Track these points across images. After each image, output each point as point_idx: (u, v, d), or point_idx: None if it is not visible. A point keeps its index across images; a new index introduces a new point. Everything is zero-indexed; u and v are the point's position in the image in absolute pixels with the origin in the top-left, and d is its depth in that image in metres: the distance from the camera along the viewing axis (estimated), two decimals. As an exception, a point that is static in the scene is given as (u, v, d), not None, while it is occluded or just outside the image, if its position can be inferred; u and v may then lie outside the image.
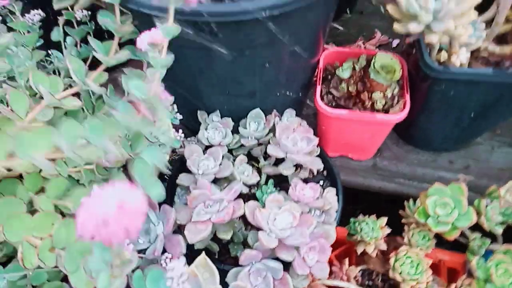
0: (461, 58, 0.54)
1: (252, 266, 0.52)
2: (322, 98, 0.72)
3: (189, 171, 0.61)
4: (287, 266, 0.54)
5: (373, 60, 0.65)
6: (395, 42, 1.03)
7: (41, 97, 0.54)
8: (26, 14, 0.64)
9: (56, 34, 0.61)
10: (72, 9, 0.60)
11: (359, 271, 0.74)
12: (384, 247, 0.71)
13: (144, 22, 0.52)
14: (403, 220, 0.75)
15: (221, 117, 0.71)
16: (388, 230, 0.71)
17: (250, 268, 0.52)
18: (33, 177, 0.54)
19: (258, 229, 0.53)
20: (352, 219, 0.73)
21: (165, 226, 0.52)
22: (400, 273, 0.66)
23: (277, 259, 0.53)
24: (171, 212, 0.51)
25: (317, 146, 0.66)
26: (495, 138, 0.85)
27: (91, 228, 0.25)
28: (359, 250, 0.72)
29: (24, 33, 0.63)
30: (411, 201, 0.73)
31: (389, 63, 0.65)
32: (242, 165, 0.63)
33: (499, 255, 0.60)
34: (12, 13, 0.63)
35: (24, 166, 0.50)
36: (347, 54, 0.74)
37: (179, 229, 0.56)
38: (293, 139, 0.62)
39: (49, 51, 0.66)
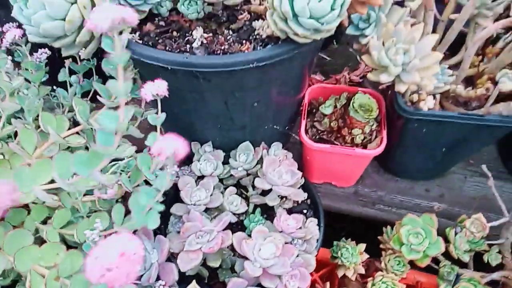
0: (428, 104, 0.61)
1: (237, 293, 0.57)
2: (306, 132, 0.77)
3: (182, 201, 0.66)
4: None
5: (352, 100, 0.71)
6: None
7: (48, 133, 0.59)
8: (34, 53, 0.70)
9: (62, 75, 0.66)
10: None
11: (339, 293, 0.80)
12: (362, 271, 0.76)
13: (145, 68, 0.58)
14: (381, 246, 0.80)
15: (213, 148, 0.76)
16: (366, 256, 0.77)
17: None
18: (39, 208, 0.58)
19: (245, 257, 0.58)
20: (335, 243, 0.78)
21: (159, 255, 0.57)
22: (377, 296, 0.71)
23: (261, 285, 0.58)
24: (165, 243, 0.56)
25: (302, 177, 0.71)
26: (467, 167, 0.91)
27: (97, 274, 0.30)
28: (340, 273, 0.77)
29: (32, 71, 0.68)
30: (388, 227, 0.79)
31: (367, 102, 0.71)
32: (231, 196, 0.68)
33: (464, 282, 0.66)
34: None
35: (28, 198, 0.54)
36: (330, 90, 0.81)
37: (172, 255, 0.61)
38: (279, 172, 0.68)
39: (54, 87, 0.72)
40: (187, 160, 0.77)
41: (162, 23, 0.62)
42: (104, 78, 0.58)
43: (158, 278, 0.56)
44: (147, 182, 0.56)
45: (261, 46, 0.59)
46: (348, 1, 0.50)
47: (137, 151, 0.69)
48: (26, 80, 0.66)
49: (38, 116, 0.63)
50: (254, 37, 0.59)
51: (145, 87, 0.48)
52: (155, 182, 0.46)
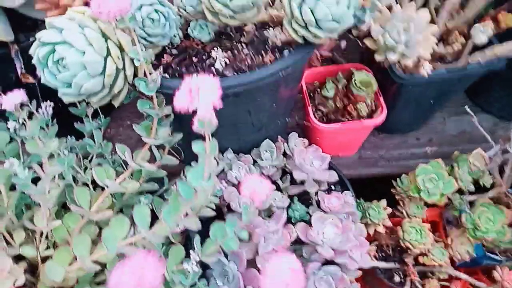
0: (426, 69, 0.69)
1: (316, 275, 0.63)
2: (314, 116, 0.84)
3: (232, 210, 0.70)
4: (337, 265, 0.66)
5: (353, 79, 0.78)
6: (343, 44, 1.17)
7: (95, 187, 0.59)
8: (39, 109, 0.67)
9: (88, 126, 0.64)
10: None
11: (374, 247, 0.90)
12: (389, 223, 0.87)
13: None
14: (397, 197, 0.91)
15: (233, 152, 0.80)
16: (389, 210, 0.87)
17: (314, 278, 0.63)
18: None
19: (308, 243, 0.64)
20: (358, 205, 0.87)
21: (238, 264, 0.61)
22: (410, 241, 0.81)
23: (330, 262, 0.65)
24: (242, 253, 0.61)
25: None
26: (443, 110, 1.04)
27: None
28: (371, 231, 0.87)
29: (45, 129, 0.66)
30: (398, 180, 0.89)
31: (366, 78, 0.78)
32: (272, 194, 0.73)
33: (480, 208, 0.78)
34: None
35: (108, 258, 0.55)
36: (323, 73, 0.87)
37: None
38: (309, 160, 0.74)
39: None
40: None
41: (175, 51, 0.63)
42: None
43: (244, 286, 0.60)
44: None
45: (278, 52, 0.63)
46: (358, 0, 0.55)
47: (168, 175, 0.72)
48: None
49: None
50: (270, 46, 0.63)
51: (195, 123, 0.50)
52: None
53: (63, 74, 0.49)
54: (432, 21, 0.82)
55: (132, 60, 0.53)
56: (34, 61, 0.50)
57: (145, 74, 0.55)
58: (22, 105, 0.63)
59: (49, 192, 0.57)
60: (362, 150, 0.99)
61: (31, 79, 0.65)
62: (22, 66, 0.68)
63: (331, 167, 0.80)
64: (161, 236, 0.51)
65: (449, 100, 0.92)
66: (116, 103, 0.57)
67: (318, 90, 0.87)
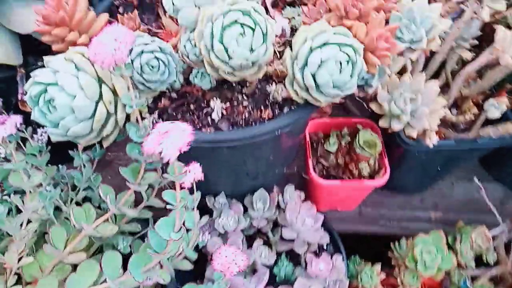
0: (432, 140, 0.66)
1: None
2: (314, 169, 0.81)
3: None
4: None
5: (357, 138, 0.76)
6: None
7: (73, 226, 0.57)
8: (34, 135, 0.66)
9: (77, 160, 0.64)
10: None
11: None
12: (382, 289, 0.82)
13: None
14: (393, 262, 0.86)
15: (226, 196, 0.78)
16: (383, 275, 0.82)
17: None
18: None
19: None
20: (350, 267, 0.83)
21: None
22: (401, 313, 0.77)
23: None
24: None
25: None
26: (453, 174, 0.99)
27: None
28: (362, 296, 0.82)
29: (37, 155, 0.65)
30: (396, 244, 0.85)
31: (370, 138, 0.76)
32: (259, 248, 0.70)
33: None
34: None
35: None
36: (329, 125, 0.85)
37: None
38: (301, 218, 0.71)
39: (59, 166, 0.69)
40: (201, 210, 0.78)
41: (174, 95, 0.62)
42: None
43: None
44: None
45: (277, 108, 0.61)
46: (363, 68, 0.53)
47: (154, 216, 0.70)
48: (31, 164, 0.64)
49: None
50: (270, 101, 0.61)
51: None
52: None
53: (52, 115, 0.48)
54: (447, 85, 0.80)
55: (124, 106, 0.52)
56: (26, 98, 0.49)
57: (137, 120, 0.54)
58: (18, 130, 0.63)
59: (26, 227, 0.55)
60: (362, 206, 0.96)
61: (28, 108, 0.65)
62: (24, 92, 0.68)
63: (325, 224, 0.77)
64: (128, 286, 0.49)
65: (458, 168, 0.88)
66: (105, 144, 0.56)
67: (322, 141, 0.85)
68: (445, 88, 0.82)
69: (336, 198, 0.86)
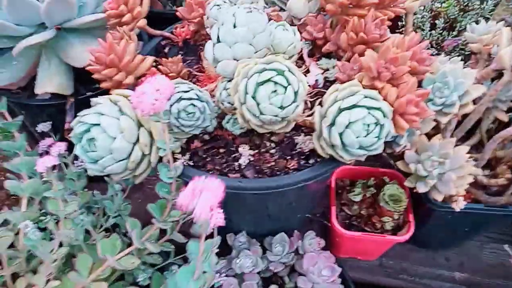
0: (459, 205, 0.65)
1: None
2: (336, 216, 0.81)
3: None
4: None
5: (382, 191, 0.75)
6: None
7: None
8: (75, 161, 0.71)
9: (110, 191, 0.68)
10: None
11: None
12: None
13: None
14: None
15: (247, 234, 0.79)
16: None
17: None
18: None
19: None
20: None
21: None
22: None
23: None
24: None
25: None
26: (483, 234, 0.96)
27: None
28: None
29: (75, 180, 0.70)
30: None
31: (396, 193, 0.75)
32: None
33: None
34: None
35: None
36: (355, 172, 0.85)
37: None
38: (318, 268, 0.71)
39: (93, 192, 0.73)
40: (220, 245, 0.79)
41: (207, 136, 0.66)
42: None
43: None
44: None
45: (303, 159, 0.62)
46: (391, 130, 0.54)
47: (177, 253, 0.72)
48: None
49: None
50: (297, 150, 0.63)
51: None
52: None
53: (92, 154, 0.52)
54: (481, 143, 0.79)
55: (158, 149, 0.55)
56: (71, 135, 0.54)
57: (169, 161, 0.57)
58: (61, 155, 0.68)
59: (56, 251, 0.59)
60: (384, 258, 0.94)
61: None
62: (71, 120, 0.74)
63: (342, 275, 0.76)
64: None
65: (487, 231, 0.85)
66: (137, 181, 0.59)
67: (347, 188, 0.85)
68: (478, 147, 0.81)
69: (357, 247, 0.85)
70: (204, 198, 0.42)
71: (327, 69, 0.74)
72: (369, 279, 0.93)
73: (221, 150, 0.64)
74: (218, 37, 0.58)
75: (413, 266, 0.93)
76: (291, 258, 0.75)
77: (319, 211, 0.94)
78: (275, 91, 0.52)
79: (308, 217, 0.83)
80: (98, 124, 0.51)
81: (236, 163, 0.62)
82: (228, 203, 0.52)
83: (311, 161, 0.62)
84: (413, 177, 0.64)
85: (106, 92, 0.69)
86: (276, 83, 0.52)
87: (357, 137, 0.53)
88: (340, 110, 0.54)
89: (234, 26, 0.56)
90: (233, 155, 0.63)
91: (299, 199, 0.70)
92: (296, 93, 0.52)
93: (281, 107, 0.52)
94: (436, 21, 0.95)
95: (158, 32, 0.81)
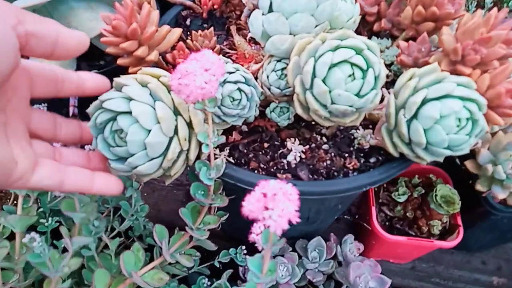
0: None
1: None
2: (376, 218, 0.72)
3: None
4: None
5: (434, 192, 0.67)
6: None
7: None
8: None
9: (130, 192, 0.56)
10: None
11: None
12: None
13: (235, 188, 0.50)
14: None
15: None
16: None
17: None
18: None
19: None
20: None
21: None
22: None
23: None
24: None
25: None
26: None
27: None
28: None
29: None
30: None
31: (449, 194, 0.67)
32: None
33: None
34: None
35: None
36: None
37: None
38: (365, 280, 0.62)
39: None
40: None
41: (245, 127, 0.55)
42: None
43: None
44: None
45: (362, 156, 0.53)
46: (484, 127, 0.45)
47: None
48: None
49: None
50: (355, 147, 0.53)
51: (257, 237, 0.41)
52: None
53: (118, 149, 0.40)
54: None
55: (199, 142, 0.44)
56: (89, 124, 0.42)
57: (208, 158, 0.46)
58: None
59: (68, 262, 0.48)
60: (417, 260, 0.86)
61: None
62: (75, 104, 0.61)
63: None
64: None
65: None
66: (167, 182, 0.48)
67: (385, 186, 0.76)
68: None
69: (395, 251, 0.77)
70: (279, 208, 0.32)
71: (380, 50, 0.64)
72: (399, 282, 0.86)
73: (265, 145, 0.53)
74: (270, 4, 0.47)
75: (447, 270, 0.86)
76: (331, 266, 0.66)
77: (352, 211, 0.86)
78: (351, 74, 0.41)
79: (346, 218, 0.74)
80: (128, 112, 0.39)
81: (285, 161, 0.52)
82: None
83: (372, 160, 0.52)
84: (485, 180, 0.56)
85: (117, 69, 0.57)
86: (353, 64, 0.41)
87: (447, 134, 0.43)
88: (426, 101, 0.44)
89: (294, -8, 0.45)
90: (280, 151, 0.53)
91: (346, 200, 0.61)
92: (376, 77, 0.42)
93: (359, 95, 0.42)
94: None
95: (178, 0, 0.68)
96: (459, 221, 0.70)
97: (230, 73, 0.46)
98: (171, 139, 0.42)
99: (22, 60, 0.36)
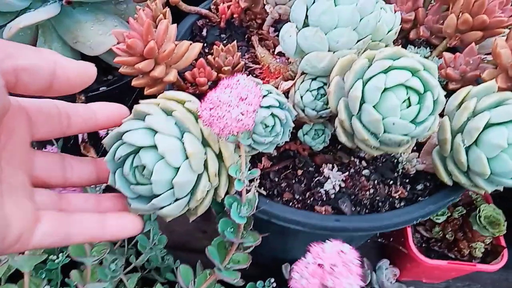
0: None
1: None
2: (412, 240, 0.67)
3: None
4: None
5: (477, 213, 0.61)
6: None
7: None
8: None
9: (148, 225, 0.51)
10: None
11: None
12: None
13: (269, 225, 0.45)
14: None
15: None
16: None
17: None
18: None
19: None
20: None
21: None
22: None
23: None
24: None
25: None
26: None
27: None
28: None
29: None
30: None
31: (493, 214, 0.61)
32: None
33: None
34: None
35: None
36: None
37: None
38: (406, 312, 0.57)
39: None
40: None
41: (275, 152, 0.50)
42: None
43: None
44: None
45: (408, 182, 0.47)
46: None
47: None
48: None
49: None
50: (399, 172, 0.48)
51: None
52: None
53: (141, 188, 0.35)
54: None
55: (230, 177, 0.39)
56: (106, 159, 0.37)
57: (239, 191, 0.41)
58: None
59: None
60: (451, 279, 0.81)
61: (92, 153, 0.53)
62: (86, 139, 0.56)
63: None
64: None
65: None
66: (191, 219, 0.43)
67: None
68: None
69: (430, 272, 0.72)
70: (341, 277, 0.27)
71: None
72: (431, 303, 0.81)
73: (299, 172, 0.48)
74: (306, 19, 0.41)
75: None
76: (365, 295, 0.61)
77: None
78: (407, 99, 0.36)
79: (380, 241, 0.69)
80: (153, 146, 0.34)
81: (322, 190, 0.46)
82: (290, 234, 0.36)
83: (419, 187, 0.47)
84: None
85: (127, 85, 0.52)
86: (408, 88, 0.36)
87: (516, 164, 0.37)
88: (488, 125, 0.38)
89: (335, 3, 0.40)
90: (316, 179, 0.47)
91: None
92: (435, 102, 0.37)
93: (415, 122, 0.36)
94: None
95: (193, 8, 0.63)
96: (503, 242, 0.65)
97: (263, 96, 0.41)
98: (200, 176, 0.37)
99: (16, 98, 0.31)
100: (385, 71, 0.36)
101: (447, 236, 0.65)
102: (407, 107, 0.36)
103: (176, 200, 0.36)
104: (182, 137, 0.36)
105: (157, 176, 0.34)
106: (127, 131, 0.36)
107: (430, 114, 0.36)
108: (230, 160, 0.38)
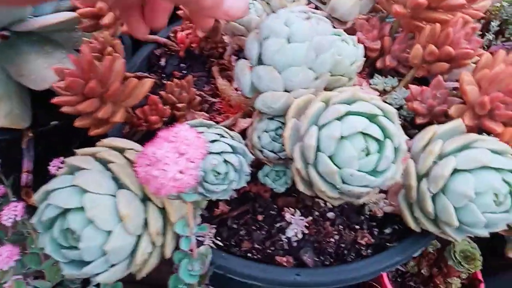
0: None
1: None
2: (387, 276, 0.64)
3: None
4: None
5: (452, 248, 0.59)
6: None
7: None
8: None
9: None
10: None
11: None
12: None
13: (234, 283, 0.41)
14: None
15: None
16: None
17: None
18: None
19: None
20: None
21: None
22: None
23: None
24: None
25: None
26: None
27: None
28: None
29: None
30: None
31: (468, 249, 0.59)
32: None
33: None
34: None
35: None
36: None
37: None
38: None
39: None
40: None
41: (234, 194, 0.46)
42: None
43: None
44: None
45: (375, 226, 0.44)
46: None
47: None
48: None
49: None
50: (366, 214, 0.45)
51: None
52: None
53: (70, 253, 0.31)
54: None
55: (176, 234, 0.35)
56: (34, 221, 0.33)
57: (192, 249, 0.37)
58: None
59: None
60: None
61: (33, 200, 0.48)
62: (30, 169, 0.51)
63: None
64: None
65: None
66: (138, 277, 0.39)
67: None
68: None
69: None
70: None
71: (384, 91, 0.56)
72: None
73: (259, 217, 0.44)
74: (259, 56, 0.38)
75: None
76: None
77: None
78: (365, 148, 0.33)
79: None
80: (80, 209, 0.30)
81: (284, 237, 0.43)
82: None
83: (387, 230, 0.44)
84: (517, 244, 0.48)
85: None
86: (367, 135, 0.33)
87: (483, 213, 0.35)
88: (455, 171, 0.36)
89: (289, 41, 0.37)
90: (278, 224, 0.44)
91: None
92: (397, 149, 0.34)
93: (375, 173, 0.33)
94: (491, 23, 0.79)
95: (150, 37, 0.59)
96: (480, 276, 0.62)
97: (213, 141, 0.37)
98: (139, 237, 0.33)
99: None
100: (341, 118, 0.33)
101: (422, 271, 0.62)
102: (366, 155, 0.33)
103: (113, 265, 0.32)
104: (117, 194, 0.32)
105: (86, 242, 0.30)
106: (55, 190, 0.32)
107: (391, 164, 0.33)
108: (175, 215, 0.35)
